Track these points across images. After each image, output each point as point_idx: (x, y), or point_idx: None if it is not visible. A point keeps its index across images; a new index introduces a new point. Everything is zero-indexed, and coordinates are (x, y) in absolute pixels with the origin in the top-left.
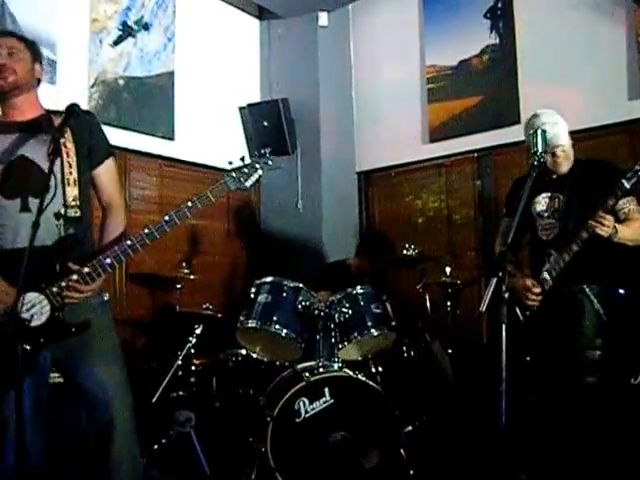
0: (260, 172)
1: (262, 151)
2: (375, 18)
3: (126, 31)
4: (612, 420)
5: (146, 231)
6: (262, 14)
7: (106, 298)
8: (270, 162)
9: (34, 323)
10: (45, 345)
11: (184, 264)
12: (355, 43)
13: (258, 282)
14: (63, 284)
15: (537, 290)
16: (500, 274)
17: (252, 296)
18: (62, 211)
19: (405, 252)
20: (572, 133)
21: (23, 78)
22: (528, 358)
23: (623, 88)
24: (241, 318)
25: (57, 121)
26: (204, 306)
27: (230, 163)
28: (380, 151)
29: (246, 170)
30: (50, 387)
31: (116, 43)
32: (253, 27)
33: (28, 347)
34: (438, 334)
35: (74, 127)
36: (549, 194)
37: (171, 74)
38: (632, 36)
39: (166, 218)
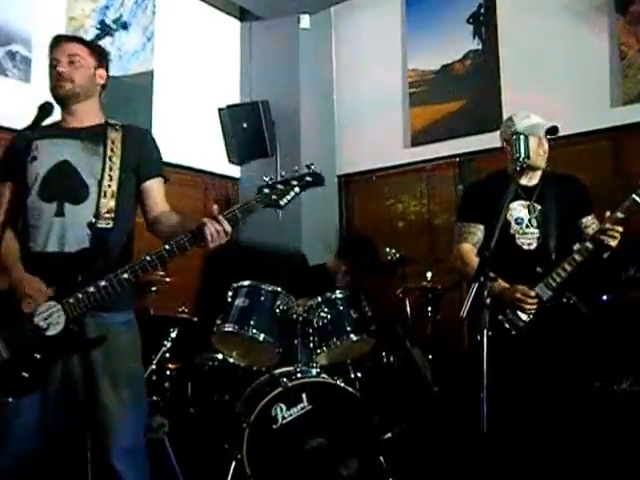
0: (297, 190)
1: (305, 168)
2: (357, 21)
3: (104, 30)
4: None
5: (166, 247)
6: (243, 15)
7: (131, 317)
8: (309, 179)
9: (49, 332)
10: (57, 356)
11: None
12: (337, 46)
13: (235, 285)
14: (80, 296)
15: (533, 294)
16: (481, 279)
17: (229, 300)
18: (93, 221)
19: (387, 256)
20: (553, 139)
21: (81, 87)
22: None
23: (605, 95)
24: (218, 322)
25: (112, 133)
26: (179, 309)
27: (267, 181)
28: (361, 155)
29: (281, 187)
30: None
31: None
32: (234, 28)
33: (39, 356)
34: (418, 340)
35: (126, 141)
36: (524, 202)
37: (150, 74)
38: (615, 44)
39: (187, 233)
